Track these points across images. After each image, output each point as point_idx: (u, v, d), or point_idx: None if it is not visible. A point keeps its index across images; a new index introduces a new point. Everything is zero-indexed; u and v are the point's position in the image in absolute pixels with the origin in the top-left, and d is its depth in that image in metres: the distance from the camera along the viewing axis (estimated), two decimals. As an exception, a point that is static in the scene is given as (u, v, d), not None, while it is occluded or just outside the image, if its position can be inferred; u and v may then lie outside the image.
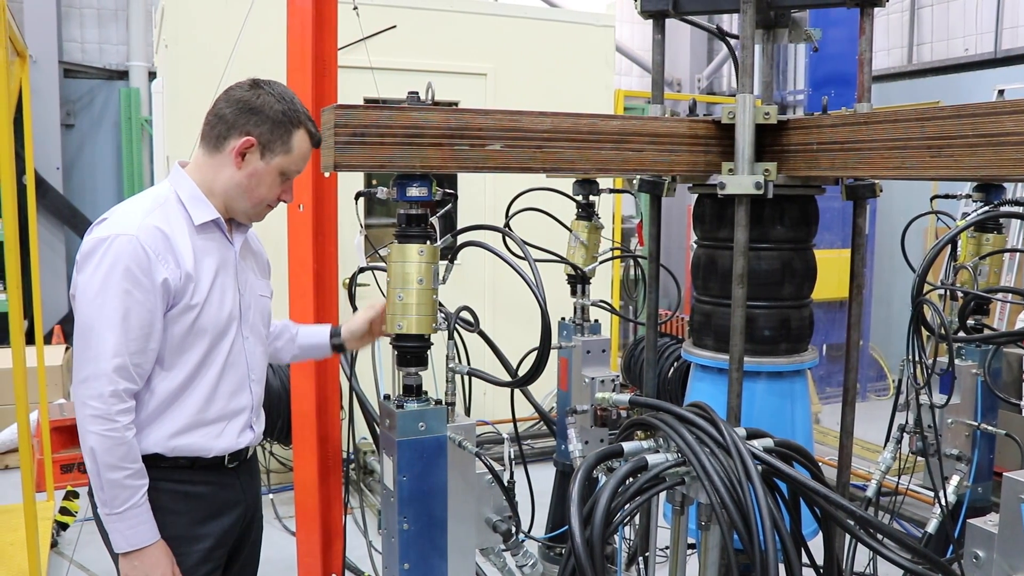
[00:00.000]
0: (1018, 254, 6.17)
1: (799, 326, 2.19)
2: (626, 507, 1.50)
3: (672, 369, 4.85)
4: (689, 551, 1.92)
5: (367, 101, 4.79)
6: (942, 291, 3.00)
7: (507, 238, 2.05)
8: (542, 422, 5.26)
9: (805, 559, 1.66)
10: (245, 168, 2.07)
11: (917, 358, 2.75)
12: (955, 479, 2.96)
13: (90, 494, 2.06)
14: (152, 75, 8.15)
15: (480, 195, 5.74)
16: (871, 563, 3.22)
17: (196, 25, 4.97)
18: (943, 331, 2.62)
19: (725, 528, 1.50)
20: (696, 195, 2.24)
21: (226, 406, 2.13)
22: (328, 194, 2.87)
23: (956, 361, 2.95)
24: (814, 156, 1.89)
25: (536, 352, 1.95)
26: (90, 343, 1.93)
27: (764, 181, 1.95)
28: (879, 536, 1.50)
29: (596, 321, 3.48)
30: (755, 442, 1.59)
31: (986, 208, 3.02)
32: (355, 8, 4.02)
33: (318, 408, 2.94)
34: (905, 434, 3.06)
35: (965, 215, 3.11)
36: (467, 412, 2.65)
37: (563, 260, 3.41)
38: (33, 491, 3.53)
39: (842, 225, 6.91)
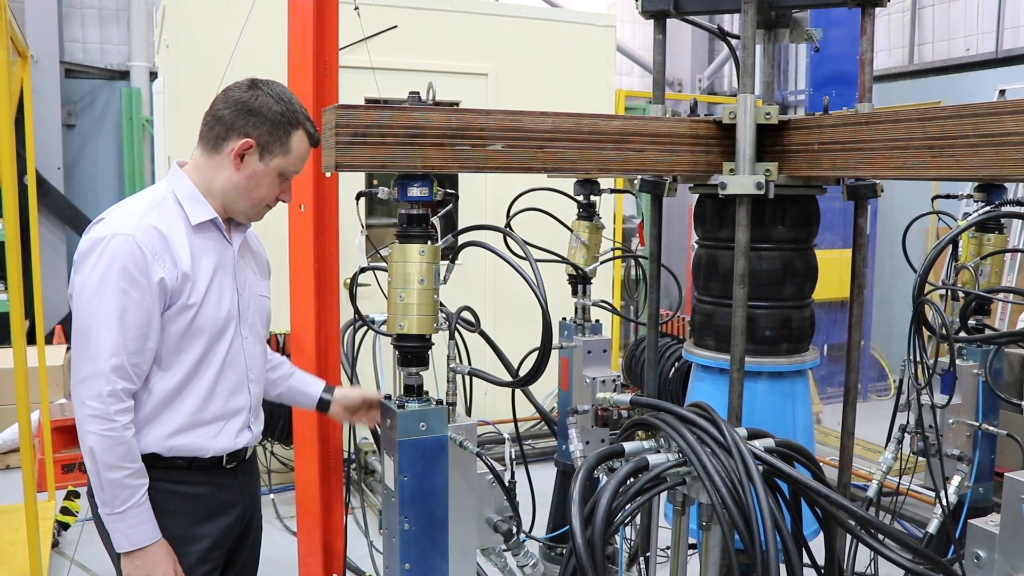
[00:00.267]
0: (1019, 254, 6.16)
1: (800, 326, 2.19)
2: (627, 507, 1.50)
3: (673, 369, 4.85)
4: (690, 551, 1.92)
5: (368, 101, 4.79)
6: (943, 291, 2.99)
7: (508, 238, 2.05)
8: (543, 422, 5.25)
9: (806, 559, 1.66)
10: (244, 169, 2.07)
11: (918, 358, 2.75)
12: (956, 479, 2.96)
13: (90, 494, 2.06)
14: (153, 75, 8.15)
15: (481, 195, 5.74)
16: (872, 563, 3.22)
17: (197, 25, 4.97)
18: (944, 331, 2.62)
19: (726, 528, 1.50)
20: (697, 195, 2.24)
21: (224, 406, 2.13)
22: (329, 194, 2.87)
23: (957, 361, 2.95)
24: (815, 156, 1.89)
25: (537, 352, 1.95)
26: (88, 343, 1.93)
27: (765, 181, 1.95)
28: (880, 536, 1.50)
29: (597, 321, 3.48)
30: (756, 442, 1.59)
31: (987, 208, 3.02)
32: (356, 8, 4.02)
33: (319, 408, 2.93)
34: (906, 434, 3.06)
35: (966, 215, 3.11)
36: (468, 412, 2.65)
37: (564, 260, 3.41)
38: (34, 491, 3.54)
39: (843, 225, 6.91)
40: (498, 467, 2.06)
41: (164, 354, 2.02)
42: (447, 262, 2.02)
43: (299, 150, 2.11)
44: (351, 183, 2.99)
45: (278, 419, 4.32)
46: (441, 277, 1.96)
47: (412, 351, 1.94)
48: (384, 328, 1.99)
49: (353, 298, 2.50)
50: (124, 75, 8.62)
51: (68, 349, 6.71)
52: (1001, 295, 4.22)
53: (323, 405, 2.44)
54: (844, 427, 2.21)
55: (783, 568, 1.48)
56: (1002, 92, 6.57)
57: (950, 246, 2.90)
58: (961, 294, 2.90)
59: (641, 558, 2.57)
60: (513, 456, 2.05)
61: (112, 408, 1.92)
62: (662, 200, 2.37)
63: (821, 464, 1.69)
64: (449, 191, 1.94)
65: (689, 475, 1.56)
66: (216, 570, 2.19)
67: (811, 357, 2.21)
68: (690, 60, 10.23)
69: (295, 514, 3.26)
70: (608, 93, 6.27)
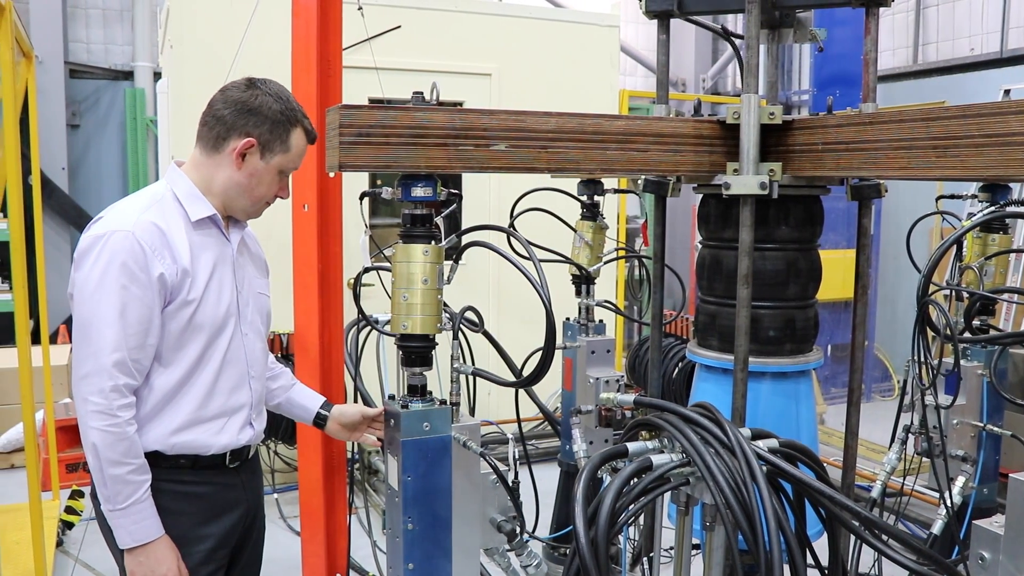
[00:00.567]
0: (1024, 254, 6.14)
1: (804, 326, 2.18)
2: (630, 507, 1.49)
3: (676, 369, 4.85)
4: (693, 552, 1.92)
5: (372, 101, 4.79)
6: (948, 291, 2.99)
7: (511, 238, 2.05)
8: (546, 422, 5.26)
9: (810, 560, 1.65)
10: (245, 168, 2.08)
11: (922, 359, 2.74)
12: (960, 480, 2.95)
13: (93, 492, 2.07)
14: (157, 75, 8.16)
15: (485, 195, 5.74)
16: (876, 564, 3.21)
17: (201, 26, 4.98)
18: (948, 332, 2.61)
19: (730, 529, 1.50)
20: (701, 195, 2.24)
21: (225, 402, 2.14)
22: (333, 194, 2.87)
23: (962, 362, 2.95)
24: (819, 156, 1.89)
25: (540, 352, 1.94)
26: (89, 339, 1.94)
27: (769, 181, 1.95)
28: (884, 537, 1.50)
29: (601, 321, 3.47)
30: (760, 443, 1.59)
31: (992, 208, 3.01)
32: (360, 8, 4.02)
33: (322, 408, 2.93)
34: (910, 435, 3.06)
35: (971, 215, 3.11)
36: (471, 412, 2.65)
37: (568, 260, 3.41)
38: (39, 490, 3.54)
39: (847, 225, 6.90)
40: (502, 467, 2.06)
41: (165, 350, 2.03)
42: (451, 262, 2.02)
43: (298, 147, 2.13)
44: (355, 183, 2.98)
45: (282, 419, 4.31)
46: (445, 277, 1.96)
47: (416, 351, 1.95)
48: (388, 328, 1.99)
49: (357, 298, 2.49)
50: (128, 75, 8.63)
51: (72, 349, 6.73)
52: (1005, 295, 4.21)
53: (320, 421, 2.44)
54: (848, 428, 2.21)
55: (787, 569, 1.48)
56: (1007, 92, 6.56)
57: (954, 246, 2.89)
58: (965, 294, 2.90)
59: (645, 558, 2.56)
60: (516, 456, 2.05)
61: (115, 403, 1.93)
62: (666, 200, 2.37)
63: (825, 465, 1.69)
64: (453, 191, 1.94)
65: (693, 475, 1.55)
66: (220, 570, 2.19)
67: (815, 357, 2.21)
68: (694, 60, 10.22)
69: (299, 514, 3.26)
70: (612, 93, 6.27)
